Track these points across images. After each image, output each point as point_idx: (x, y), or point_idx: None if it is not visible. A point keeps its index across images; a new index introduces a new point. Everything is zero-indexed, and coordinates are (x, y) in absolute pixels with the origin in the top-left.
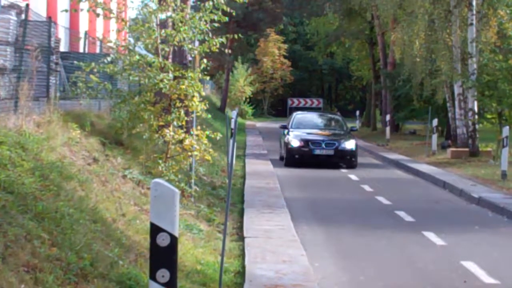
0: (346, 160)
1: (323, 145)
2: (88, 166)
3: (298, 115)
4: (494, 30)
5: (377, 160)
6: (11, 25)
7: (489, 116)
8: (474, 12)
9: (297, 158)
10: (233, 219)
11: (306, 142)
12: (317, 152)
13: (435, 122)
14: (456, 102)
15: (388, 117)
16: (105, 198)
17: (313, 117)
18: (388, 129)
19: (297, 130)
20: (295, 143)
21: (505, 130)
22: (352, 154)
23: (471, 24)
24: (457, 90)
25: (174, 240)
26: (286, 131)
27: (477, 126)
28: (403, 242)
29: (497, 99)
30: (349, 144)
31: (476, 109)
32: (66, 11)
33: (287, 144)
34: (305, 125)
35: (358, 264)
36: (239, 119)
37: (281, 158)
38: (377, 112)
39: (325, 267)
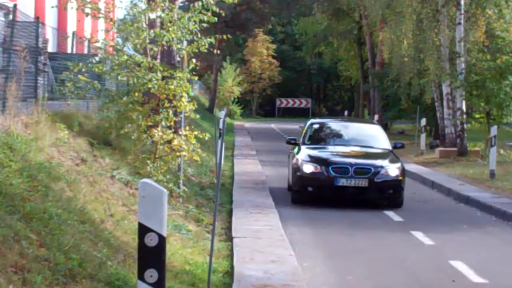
0: (388, 195)
1: (352, 172)
2: (76, 166)
3: (314, 125)
4: (482, 30)
5: None
6: None
7: (477, 116)
8: (462, 11)
9: (311, 192)
10: (221, 219)
11: (324, 166)
12: (342, 182)
13: (423, 121)
14: (444, 102)
15: (376, 117)
16: (93, 199)
17: (337, 127)
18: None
19: (311, 148)
20: (308, 168)
21: (493, 130)
22: (397, 186)
23: (459, 23)
24: (445, 89)
25: (162, 240)
26: (295, 148)
27: (465, 126)
28: (391, 241)
29: (485, 98)
30: (393, 170)
31: (464, 108)
32: (56, 6)
33: (295, 169)
34: (325, 140)
35: (346, 264)
36: (228, 120)
37: (288, 187)
38: (365, 112)
39: (313, 267)
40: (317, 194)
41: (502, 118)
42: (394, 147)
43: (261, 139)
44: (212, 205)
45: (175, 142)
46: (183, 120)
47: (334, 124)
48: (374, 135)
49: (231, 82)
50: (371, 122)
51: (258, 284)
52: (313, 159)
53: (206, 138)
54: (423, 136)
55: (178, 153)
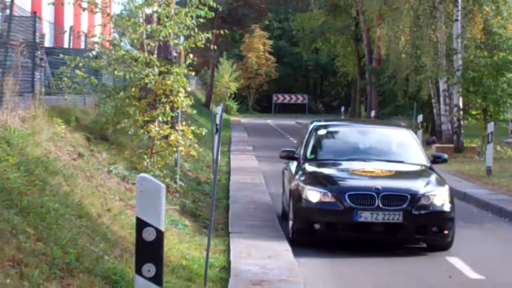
0: (431, 235)
1: (379, 201)
2: (73, 161)
3: (320, 131)
4: (479, 26)
5: None
6: None
7: (474, 112)
8: (459, 8)
9: (319, 230)
10: (218, 215)
11: (337, 192)
12: (365, 217)
13: (420, 118)
14: (441, 98)
15: (373, 113)
16: (90, 193)
17: (353, 134)
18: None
19: (317, 164)
20: (314, 196)
21: (490, 126)
22: (446, 220)
23: (456, 20)
24: (442, 86)
25: (160, 234)
26: (294, 164)
27: (462, 122)
28: None
29: (482, 95)
30: (439, 198)
31: (461, 105)
32: (53, 4)
33: (296, 196)
34: (336, 152)
35: (342, 260)
36: (224, 115)
37: (285, 216)
38: (362, 108)
39: (310, 262)
40: (329, 234)
41: (499, 115)
42: (434, 161)
43: (257, 135)
44: (209, 200)
45: (172, 137)
46: (180, 115)
47: (349, 129)
48: (405, 145)
49: (227, 77)
50: (399, 126)
51: (255, 279)
52: (321, 183)
53: (203, 134)
54: (419, 132)
55: (175, 148)
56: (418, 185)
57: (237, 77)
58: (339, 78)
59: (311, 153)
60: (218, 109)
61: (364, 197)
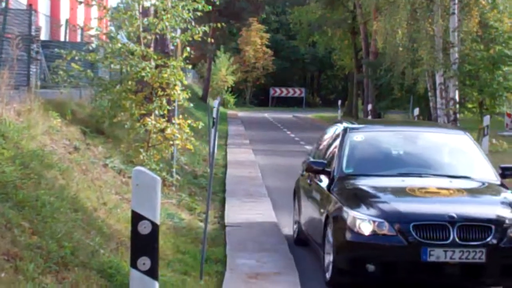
0: None
1: (454, 234)
2: (69, 154)
3: (355, 136)
4: (475, 20)
5: None
6: None
7: (470, 106)
8: (456, 1)
9: (373, 273)
10: (214, 208)
11: (398, 222)
12: (437, 255)
13: (416, 111)
14: (438, 92)
15: (370, 107)
16: (86, 187)
17: (399, 141)
18: (369, 118)
19: (360, 181)
20: (365, 226)
21: (486, 119)
22: None
23: (453, 13)
24: (438, 79)
25: (155, 227)
26: (325, 179)
27: (458, 115)
28: None
29: (478, 88)
30: None
31: (457, 98)
32: None
33: (336, 223)
34: (381, 164)
35: None
36: (221, 109)
37: (299, 240)
38: (359, 101)
39: (307, 255)
40: (386, 278)
41: (495, 108)
42: (503, 174)
43: (254, 128)
44: (205, 194)
45: (168, 130)
46: (176, 108)
47: (392, 135)
48: (466, 154)
49: (225, 71)
50: (454, 129)
51: (251, 273)
52: (372, 207)
53: (200, 127)
54: None
55: (171, 142)
56: (502, 211)
57: (234, 70)
58: (336, 72)
59: (348, 166)
60: (215, 103)
61: (435, 228)
